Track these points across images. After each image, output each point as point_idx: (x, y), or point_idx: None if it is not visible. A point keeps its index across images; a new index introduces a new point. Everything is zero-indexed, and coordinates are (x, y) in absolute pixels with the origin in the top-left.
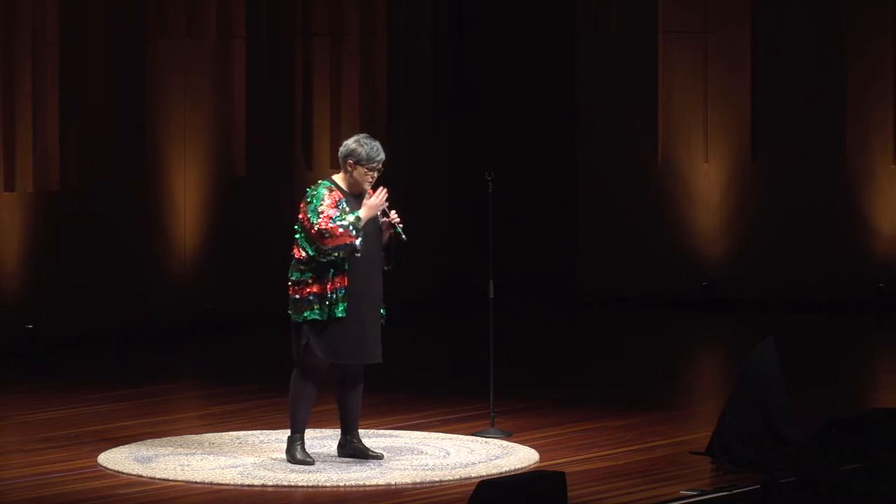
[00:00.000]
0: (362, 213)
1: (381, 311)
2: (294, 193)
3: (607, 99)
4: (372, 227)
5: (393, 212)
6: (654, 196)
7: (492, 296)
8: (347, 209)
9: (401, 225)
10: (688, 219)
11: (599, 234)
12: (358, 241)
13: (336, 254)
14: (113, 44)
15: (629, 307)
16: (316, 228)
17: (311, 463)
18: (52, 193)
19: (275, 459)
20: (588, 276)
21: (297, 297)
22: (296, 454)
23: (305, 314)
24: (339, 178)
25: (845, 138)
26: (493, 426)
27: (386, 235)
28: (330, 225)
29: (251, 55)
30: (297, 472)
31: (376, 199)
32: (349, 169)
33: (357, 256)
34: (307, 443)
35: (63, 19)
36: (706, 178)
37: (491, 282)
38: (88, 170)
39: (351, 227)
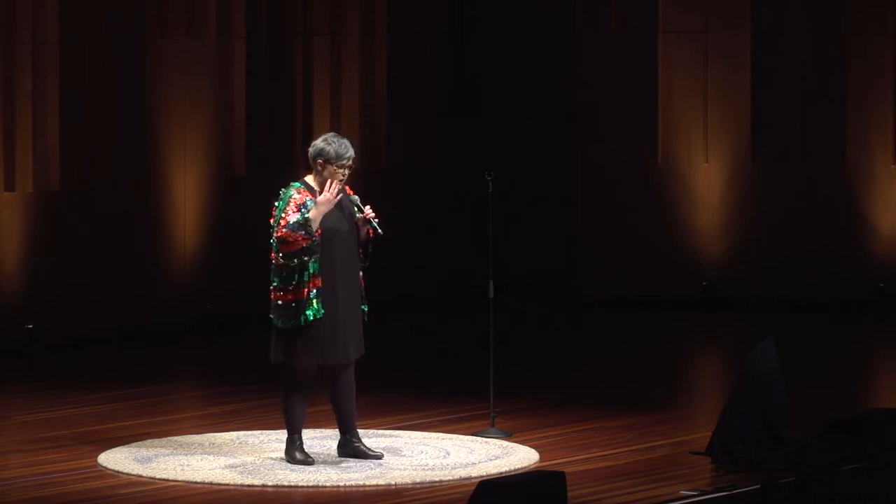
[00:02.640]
0: (312, 213)
1: (364, 307)
2: None
3: (607, 99)
4: (347, 225)
5: (367, 207)
6: (654, 196)
7: (492, 296)
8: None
9: (376, 220)
10: (688, 219)
11: (599, 234)
12: (314, 242)
13: (296, 259)
14: (113, 44)
15: (629, 307)
16: (274, 238)
17: (311, 463)
18: (52, 193)
19: (275, 459)
20: (588, 276)
21: (280, 302)
22: (295, 454)
23: (291, 321)
24: (310, 178)
25: (845, 138)
26: (493, 426)
27: (363, 232)
28: (283, 231)
29: (251, 55)
30: (297, 472)
31: (325, 196)
32: (319, 168)
33: (316, 255)
34: (306, 443)
35: (63, 19)
36: (706, 178)
37: (491, 282)
38: (88, 170)
39: (302, 230)
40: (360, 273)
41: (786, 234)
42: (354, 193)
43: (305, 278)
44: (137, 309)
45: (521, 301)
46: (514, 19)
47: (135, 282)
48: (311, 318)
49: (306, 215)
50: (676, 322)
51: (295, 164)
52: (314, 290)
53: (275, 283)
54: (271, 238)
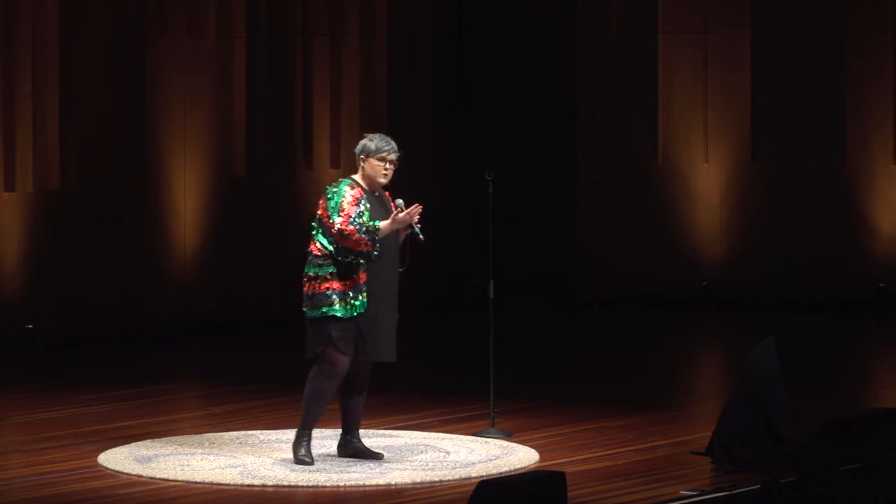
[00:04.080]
0: (385, 224)
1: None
2: (294, 193)
3: (607, 99)
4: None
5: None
6: (654, 196)
7: (492, 296)
8: (368, 206)
9: (419, 225)
10: (688, 219)
11: (599, 234)
12: (374, 252)
13: (350, 257)
14: (113, 44)
15: (629, 307)
16: (336, 228)
17: (311, 463)
18: (52, 193)
19: (275, 459)
20: (588, 276)
21: (315, 292)
22: (299, 451)
23: (324, 310)
24: (357, 177)
25: (845, 138)
26: (493, 426)
27: (403, 236)
28: (349, 227)
29: (251, 55)
30: (297, 471)
31: (404, 216)
32: (362, 164)
33: (372, 261)
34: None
35: (63, 19)
36: (706, 178)
37: (491, 282)
38: (88, 170)
39: (368, 236)
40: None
41: (786, 234)
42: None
43: (351, 271)
44: (137, 309)
45: (521, 301)
46: (514, 19)
47: (135, 282)
48: (354, 313)
49: (378, 224)
50: (676, 322)
51: (295, 164)
52: (358, 285)
53: (311, 273)
54: (314, 229)
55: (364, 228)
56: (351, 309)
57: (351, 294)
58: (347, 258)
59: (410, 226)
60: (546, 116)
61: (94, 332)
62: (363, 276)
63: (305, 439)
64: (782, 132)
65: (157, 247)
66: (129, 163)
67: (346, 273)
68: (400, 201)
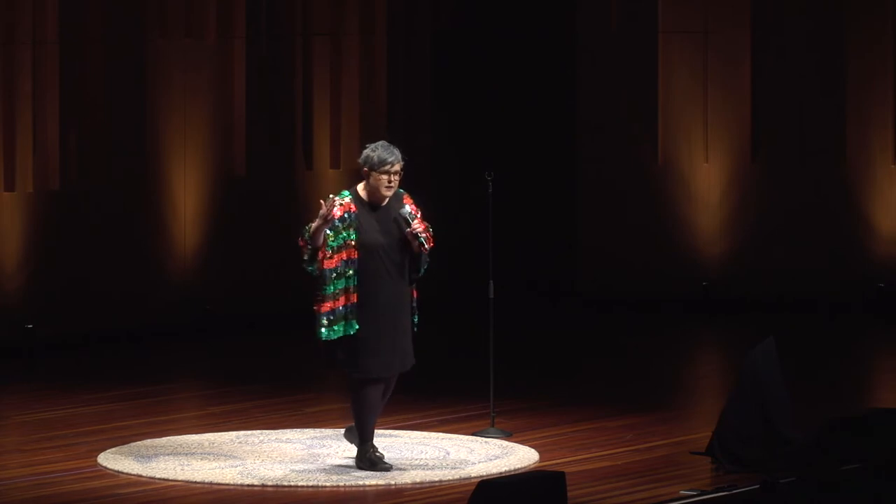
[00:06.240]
0: (315, 223)
1: (414, 318)
2: (294, 193)
3: (607, 99)
4: (388, 238)
5: (416, 221)
6: (655, 196)
7: (492, 296)
8: (351, 223)
9: (423, 234)
10: (688, 219)
11: (600, 234)
12: (308, 253)
13: (309, 269)
14: (113, 44)
15: (629, 307)
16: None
17: (389, 466)
18: (52, 193)
19: (274, 459)
20: (588, 276)
21: (317, 309)
22: (373, 460)
23: (322, 331)
24: (361, 187)
25: (845, 138)
26: (493, 426)
27: (414, 245)
28: (299, 240)
29: (251, 55)
30: (297, 471)
31: (322, 210)
32: (365, 175)
33: (306, 268)
34: (308, 442)
35: (63, 19)
36: (706, 178)
37: (491, 282)
38: (88, 170)
39: (302, 234)
40: (412, 285)
41: (786, 234)
42: (413, 204)
43: (336, 292)
44: (137, 309)
45: (521, 301)
46: (514, 19)
47: (135, 282)
48: (342, 333)
49: (311, 225)
50: (676, 322)
51: (295, 164)
52: (348, 306)
53: (316, 293)
54: None
55: (303, 231)
56: (344, 331)
57: (342, 315)
58: (310, 269)
59: (416, 235)
60: (546, 116)
61: (94, 332)
62: (353, 296)
63: (371, 450)
64: (782, 132)
65: (157, 247)
66: (129, 163)
67: (338, 294)
68: (407, 209)
